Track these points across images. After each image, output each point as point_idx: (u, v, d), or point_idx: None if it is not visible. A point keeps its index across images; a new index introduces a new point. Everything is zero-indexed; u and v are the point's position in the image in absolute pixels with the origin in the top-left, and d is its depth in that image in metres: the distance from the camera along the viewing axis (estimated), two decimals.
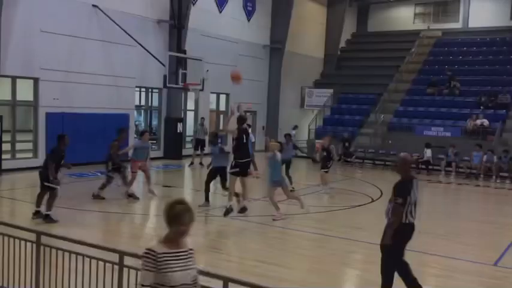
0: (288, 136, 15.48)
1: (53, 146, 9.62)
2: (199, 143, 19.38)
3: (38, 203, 9.66)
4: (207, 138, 20.27)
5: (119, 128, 12.52)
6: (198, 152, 19.34)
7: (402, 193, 5.84)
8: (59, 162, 9.63)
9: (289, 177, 14.17)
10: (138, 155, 12.28)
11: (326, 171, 14.35)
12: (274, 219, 10.30)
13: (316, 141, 23.74)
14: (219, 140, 15.15)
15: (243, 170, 10.01)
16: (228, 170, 10.49)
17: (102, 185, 11.94)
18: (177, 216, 3.59)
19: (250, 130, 10.78)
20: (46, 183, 9.47)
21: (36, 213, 9.62)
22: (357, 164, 21.93)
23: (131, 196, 12.12)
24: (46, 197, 9.61)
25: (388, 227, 5.89)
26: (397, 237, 5.86)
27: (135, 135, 21.02)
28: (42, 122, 16.67)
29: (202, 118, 20.65)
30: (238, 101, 25.47)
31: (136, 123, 21.93)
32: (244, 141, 10.02)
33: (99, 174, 15.62)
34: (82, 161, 17.38)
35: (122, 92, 19.24)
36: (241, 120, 10.32)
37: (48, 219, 9.45)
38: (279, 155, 10.47)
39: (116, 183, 12.53)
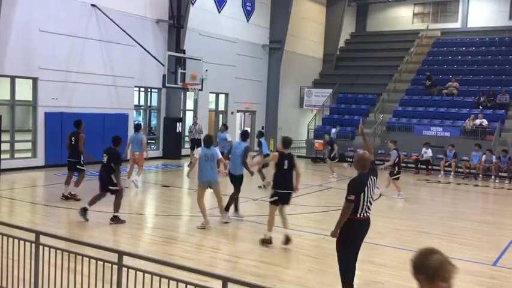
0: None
1: (111, 150, 9.87)
2: (194, 143, 19.36)
3: (92, 202, 9.85)
4: (202, 137, 20.27)
5: (76, 120, 12.39)
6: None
7: (355, 190, 5.82)
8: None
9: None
10: (133, 147, 13.65)
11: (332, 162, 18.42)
12: None
13: (316, 141, 23.79)
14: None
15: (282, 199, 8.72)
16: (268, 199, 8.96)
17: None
18: (439, 269, 2.69)
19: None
20: (111, 187, 9.65)
21: (84, 210, 9.72)
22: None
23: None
24: (102, 198, 9.89)
25: (337, 222, 5.95)
26: (350, 232, 5.92)
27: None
28: (41, 121, 16.67)
29: (195, 117, 20.67)
30: (238, 101, 25.56)
31: (136, 123, 21.90)
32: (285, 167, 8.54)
33: (98, 173, 15.60)
34: None
35: (121, 91, 19.24)
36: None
37: (116, 220, 9.62)
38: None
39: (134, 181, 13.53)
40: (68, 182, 11.85)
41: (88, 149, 17.38)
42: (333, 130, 23.87)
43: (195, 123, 19.94)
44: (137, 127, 14.31)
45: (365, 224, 6.11)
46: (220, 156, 9.66)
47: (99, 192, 9.86)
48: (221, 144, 16.64)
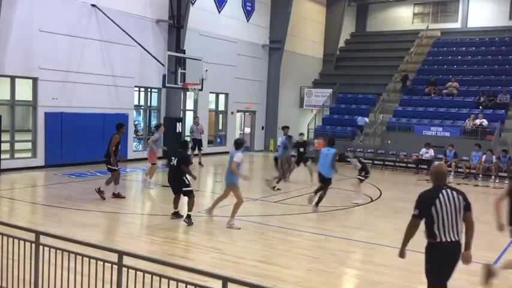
0: None
1: (180, 153, 10.28)
2: (196, 143, 19.35)
3: (175, 205, 10.44)
4: (203, 137, 20.27)
5: (118, 123, 12.64)
6: (196, 152, 19.33)
7: (421, 204, 5.21)
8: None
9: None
10: (157, 146, 14.30)
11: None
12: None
13: (315, 140, 23.80)
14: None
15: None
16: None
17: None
18: None
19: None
20: (185, 189, 10.05)
21: (175, 214, 10.37)
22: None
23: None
24: (178, 201, 10.41)
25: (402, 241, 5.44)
26: (432, 259, 5.34)
27: (134, 135, 21.04)
28: (41, 121, 16.66)
29: (197, 117, 20.62)
30: (238, 101, 25.56)
31: (136, 123, 21.91)
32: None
33: (98, 174, 15.62)
34: (81, 160, 17.41)
35: (121, 91, 19.23)
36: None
37: (189, 219, 9.89)
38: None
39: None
40: (109, 182, 12.12)
41: (87, 149, 17.53)
42: (366, 119, 24.69)
43: (196, 123, 19.88)
44: (160, 126, 15.36)
45: (448, 249, 5.25)
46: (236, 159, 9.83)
47: (174, 196, 10.34)
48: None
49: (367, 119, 24.92)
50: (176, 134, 21.37)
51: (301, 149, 16.48)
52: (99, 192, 11.94)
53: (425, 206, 5.22)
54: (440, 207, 5.19)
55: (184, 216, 9.98)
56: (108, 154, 11.94)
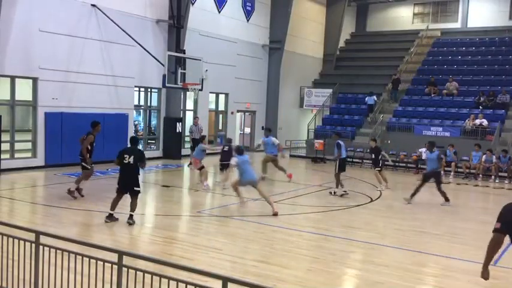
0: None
1: (136, 150, 10.10)
2: (195, 143, 19.33)
3: (114, 207, 10.07)
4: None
5: (93, 121, 12.20)
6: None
7: (503, 217, 4.46)
8: None
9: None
10: (199, 155, 14.50)
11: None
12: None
13: (315, 141, 23.80)
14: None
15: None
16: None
17: None
18: None
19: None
20: (137, 188, 10.00)
21: (111, 216, 10.02)
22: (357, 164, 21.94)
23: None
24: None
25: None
26: None
27: (134, 135, 21.01)
28: (41, 121, 16.66)
29: (196, 118, 20.60)
30: (238, 101, 25.55)
31: (136, 123, 21.92)
32: None
33: (98, 174, 15.62)
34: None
35: (121, 91, 19.23)
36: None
37: (132, 219, 9.83)
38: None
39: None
40: (79, 181, 12.09)
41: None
42: (374, 97, 25.44)
43: (195, 123, 19.87)
44: (204, 138, 15.54)
45: None
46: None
47: (117, 196, 10.02)
48: (269, 150, 16.47)
49: (375, 97, 25.46)
50: (176, 134, 21.40)
51: (373, 155, 16.01)
52: (70, 192, 11.73)
53: (509, 219, 4.43)
54: None
55: (128, 217, 9.71)
56: (82, 153, 11.76)
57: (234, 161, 11.57)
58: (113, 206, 9.81)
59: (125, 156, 9.67)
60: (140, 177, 14.48)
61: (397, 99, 25.98)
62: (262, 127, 27.48)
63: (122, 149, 9.97)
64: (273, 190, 14.36)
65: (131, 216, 9.70)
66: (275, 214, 10.89)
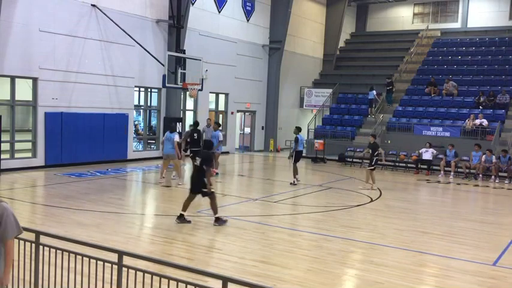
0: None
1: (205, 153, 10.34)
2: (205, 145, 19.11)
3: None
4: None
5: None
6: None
7: None
8: None
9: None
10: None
11: None
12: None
13: (316, 141, 23.81)
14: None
15: None
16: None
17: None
18: None
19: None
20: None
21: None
22: (356, 164, 21.94)
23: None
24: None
25: None
26: None
27: (134, 135, 21.03)
28: (41, 121, 16.66)
29: (209, 119, 20.27)
30: (238, 101, 25.54)
31: (136, 123, 21.91)
32: None
33: (98, 174, 15.62)
34: (81, 160, 17.41)
35: (120, 91, 19.23)
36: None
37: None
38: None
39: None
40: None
41: (87, 149, 17.54)
42: (374, 92, 25.35)
43: (208, 124, 19.52)
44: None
45: None
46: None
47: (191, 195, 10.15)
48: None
49: (374, 92, 25.48)
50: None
51: (370, 151, 15.83)
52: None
53: None
54: None
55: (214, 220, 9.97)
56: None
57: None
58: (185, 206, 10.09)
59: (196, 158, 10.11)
60: (140, 177, 14.48)
61: (392, 102, 25.86)
62: (262, 127, 27.51)
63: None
64: (273, 190, 14.36)
65: (216, 219, 9.94)
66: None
